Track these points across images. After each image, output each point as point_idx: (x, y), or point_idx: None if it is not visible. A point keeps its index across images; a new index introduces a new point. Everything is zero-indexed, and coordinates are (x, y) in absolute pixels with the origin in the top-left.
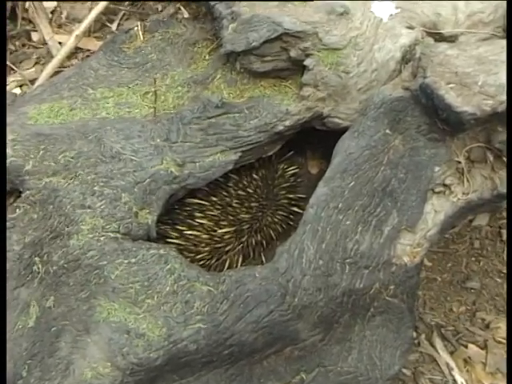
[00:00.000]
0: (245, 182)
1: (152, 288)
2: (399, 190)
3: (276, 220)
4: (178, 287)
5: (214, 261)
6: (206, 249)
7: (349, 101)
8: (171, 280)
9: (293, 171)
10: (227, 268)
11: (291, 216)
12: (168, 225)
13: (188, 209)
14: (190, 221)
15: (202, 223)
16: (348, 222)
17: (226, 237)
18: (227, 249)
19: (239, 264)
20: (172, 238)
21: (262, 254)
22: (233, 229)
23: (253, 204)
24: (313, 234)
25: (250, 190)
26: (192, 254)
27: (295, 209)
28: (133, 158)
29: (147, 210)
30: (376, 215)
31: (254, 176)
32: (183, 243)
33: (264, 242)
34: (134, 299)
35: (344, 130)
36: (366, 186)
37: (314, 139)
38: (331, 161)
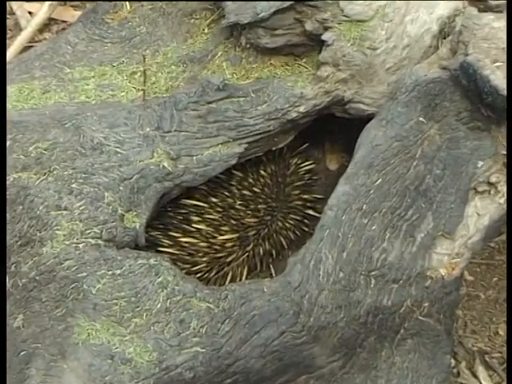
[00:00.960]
0: (251, 180)
1: (140, 305)
2: (435, 189)
3: (288, 225)
4: (171, 304)
5: (213, 273)
6: (205, 259)
7: (375, 83)
8: (163, 295)
9: (308, 167)
10: (230, 282)
11: (306, 220)
12: (160, 230)
13: (183, 211)
14: (186, 226)
15: (199, 229)
16: (374, 227)
17: (228, 245)
18: (229, 259)
19: (244, 277)
20: (164, 246)
21: (270, 266)
22: (236, 235)
23: (260, 206)
24: (332, 242)
25: (257, 190)
26: (188, 265)
27: (311, 212)
28: (118, 149)
29: (135, 213)
30: (407, 219)
31: (262, 173)
32: (177, 252)
33: (273, 252)
34: (119, 318)
35: (369, 117)
36: (396, 184)
37: (334, 128)
38: (354, 154)
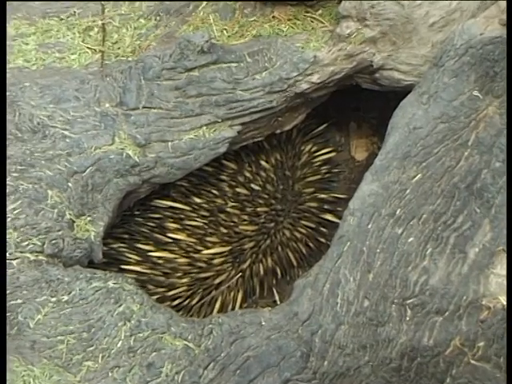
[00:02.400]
0: (247, 174)
1: (95, 343)
2: (494, 187)
3: (298, 235)
4: (136, 341)
5: (196, 300)
6: (185, 280)
7: (414, 43)
8: (126, 330)
9: (326, 156)
10: (218, 311)
11: (322, 228)
12: (123, 241)
13: (156, 216)
14: (159, 235)
15: (177, 239)
16: (410, 240)
17: (217, 261)
18: (218, 281)
19: (237, 305)
20: (130, 263)
21: (274, 290)
22: (227, 249)
23: (260, 209)
24: (354, 259)
25: (256, 187)
26: (162, 289)
27: (329, 216)
28: (66, 133)
29: (89, 218)
30: (456, 228)
31: (263, 164)
32: (148, 271)
33: (278, 270)
34: (66, 361)
35: (407, 90)
36: (441, 181)
37: (360, 105)
38: (385, 141)
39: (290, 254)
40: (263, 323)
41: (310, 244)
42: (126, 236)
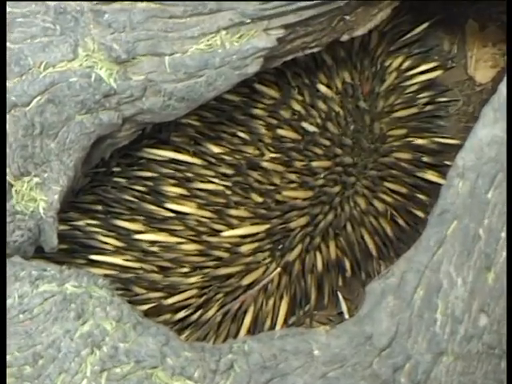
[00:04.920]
0: (297, 107)
1: (45, 380)
2: None
3: (378, 206)
4: (110, 382)
5: (212, 312)
6: (194, 280)
7: None
8: (94, 362)
9: (426, 76)
10: (246, 331)
11: (419, 195)
12: (93, 217)
13: (147, 175)
14: (153, 207)
15: (182, 213)
16: None
17: (246, 249)
18: (247, 281)
19: (279, 321)
20: (103, 253)
21: (339, 295)
22: (263, 228)
23: (317, 164)
24: (463, 247)
25: (311, 128)
26: (156, 294)
27: (429, 176)
28: None
29: (36, 179)
30: None
31: (323, 90)
32: (133, 265)
33: (347, 264)
34: None
35: None
36: None
37: None
38: None
39: (367, 237)
40: (316, 352)
41: (399, 221)
42: (99, 208)
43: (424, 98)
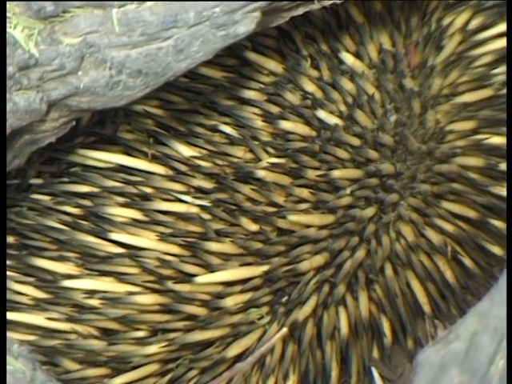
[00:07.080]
0: (309, 88)
1: None
2: None
3: (431, 235)
4: None
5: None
6: (152, 350)
7: None
8: None
9: (497, 44)
10: None
11: (492, 221)
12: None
13: (81, 192)
14: (92, 238)
15: (137, 248)
16: None
17: (233, 302)
18: (233, 352)
19: None
20: (18, 309)
21: (371, 370)
22: (260, 270)
23: (339, 173)
24: None
25: (333, 119)
26: (98, 372)
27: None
28: None
29: None
30: None
31: (347, 60)
32: (64, 327)
33: (385, 326)
34: None
35: None
36: None
37: None
38: None
39: (415, 285)
40: None
41: (465, 260)
42: (11, 240)
43: (501, 74)
